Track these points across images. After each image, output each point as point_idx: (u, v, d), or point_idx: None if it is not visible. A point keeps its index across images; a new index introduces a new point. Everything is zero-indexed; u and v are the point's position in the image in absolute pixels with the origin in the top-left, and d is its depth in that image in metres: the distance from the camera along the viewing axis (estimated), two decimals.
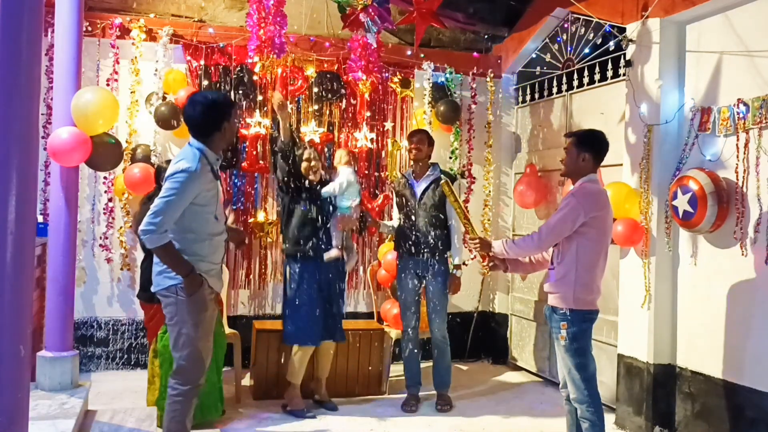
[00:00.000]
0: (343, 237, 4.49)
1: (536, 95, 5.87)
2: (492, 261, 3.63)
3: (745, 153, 3.75)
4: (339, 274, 4.54)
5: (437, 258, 4.63)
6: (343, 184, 4.48)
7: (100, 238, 5.27)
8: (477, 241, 3.61)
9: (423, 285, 4.69)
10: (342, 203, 4.48)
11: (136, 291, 5.35)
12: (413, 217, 4.64)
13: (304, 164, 4.43)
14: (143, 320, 5.34)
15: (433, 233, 4.60)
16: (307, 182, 4.46)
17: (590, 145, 3.42)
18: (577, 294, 3.31)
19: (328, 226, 4.45)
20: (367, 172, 5.84)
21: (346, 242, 4.54)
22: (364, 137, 5.79)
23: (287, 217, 4.46)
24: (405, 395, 4.79)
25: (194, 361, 3.16)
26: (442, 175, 4.54)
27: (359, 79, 4.65)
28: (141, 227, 3.02)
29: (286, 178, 4.40)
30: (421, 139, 4.70)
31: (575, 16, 5.22)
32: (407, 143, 4.87)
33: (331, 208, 4.51)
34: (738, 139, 3.79)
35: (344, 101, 5.80)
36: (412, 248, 4.63)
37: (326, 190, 4.47)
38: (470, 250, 3.73)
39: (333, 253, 4.40)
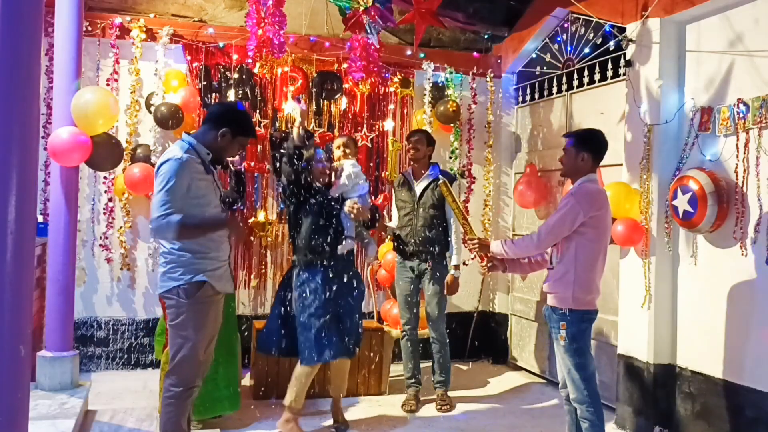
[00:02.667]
0: (357, 227, 4.14)
1: (536, 95, 5.87)
2: (490, 261, 3.63)
3: (745, 153, 3.74)
4: (354, 282, 4.15)
5: (436, 258, 4.63)
6: (351, 176, 4.15)
7: (100, 238, 5.26)
8: (475, 241, 3.60)
9: (422, 284, 4.70)
10: (352, 195, 4.14)
11: (136, 291, 5.38)
12: (412, 217, 4.64)
13: (318, 166, 4.09)
14: (144, 320, 5.37)
15: (431, 233, 4.60)
16: (315, 186, 4.08)
17: (589, 145, 3.42)
18: (576, 294, 3.31)
19: (341, 217, 4.09)
20: (366, 171, 5.85)
21: (362, 233, 4.24)
22: (364, 137, 5.79)
23: (295, 224, 4.07)
24: (405, 395, 4.79)
25: (190, 363, 3.14)
26: (440, 176, 4.51)
27: (359, 79, 4.65)
28: (152, 227, 3.02)
29: (292, 183, 3.98)
30: (419, 139, 4.69)
31: (575, 16, 5.22)
32: (406, 143, 4.84)
33: (341, 209, 4.12)
34: (738, 139, 3.79)
35: (344, 101, 5.80)
36: (411, 248, 4.64)
37: (337, 189, 4.13)
38: (470, 250, 3.71)
39: (348, 244, 4.02)
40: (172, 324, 3.15)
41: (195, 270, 3.11)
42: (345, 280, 4.10)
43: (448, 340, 4.74)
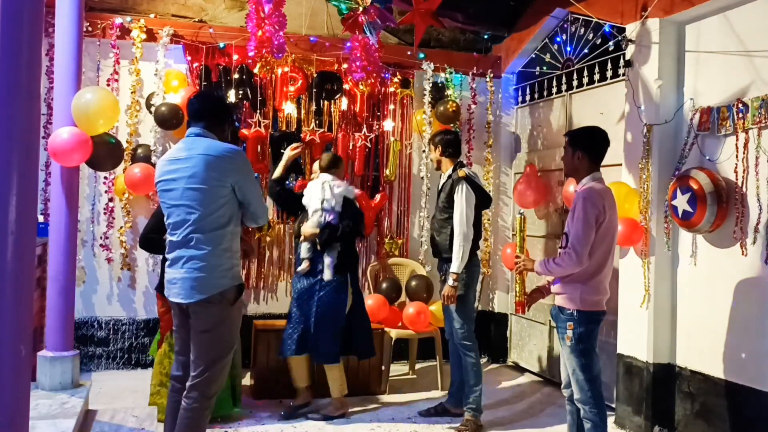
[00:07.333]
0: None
1: (536, 95, 5.87)
2: (530, 303, 3.60)
3: (744, 153, 3.75)
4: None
5: (448, 259, 4.38)
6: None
7: (100, 237, 5.27)
8: (522, 258, 3.54)
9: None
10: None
11: (137, 290, 5.38)
12: (433, 216, 4.51)
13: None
14: (144, 320, 5.38)
15: (443, 233, 4.34)
16: None
17: (582, 143, 3.37)
18: (584, 295, 3.29)
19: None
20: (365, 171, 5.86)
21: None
22: (363, 137, 5.79)
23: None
24: (407, 394, 4.71)
25: (225, 370, 3.09)
26: (522, 213, 4.31)
27: (360, 79, 4.65)
28: (261, 213, 3.05)
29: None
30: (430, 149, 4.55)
31: (575, 16, 5.23)
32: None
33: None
34: (737, 139, 3.79)
35: (344, 101, 5.80)
36: (434, 248, 4.48)
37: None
38: (517, 271, 3.60)
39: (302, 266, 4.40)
40: (210, 331, 2.99)
41: (236, 273, 3.05)
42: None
43: (467, 348, 4.38)
